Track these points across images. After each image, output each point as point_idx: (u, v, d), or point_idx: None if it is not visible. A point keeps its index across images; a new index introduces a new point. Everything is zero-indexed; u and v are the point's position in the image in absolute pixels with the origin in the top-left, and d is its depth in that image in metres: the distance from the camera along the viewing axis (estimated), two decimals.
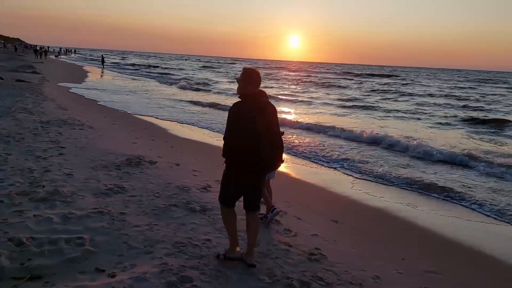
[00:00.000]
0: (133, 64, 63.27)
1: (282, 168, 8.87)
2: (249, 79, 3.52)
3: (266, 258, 3.89)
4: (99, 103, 16.98)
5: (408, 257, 4.76)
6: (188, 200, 5.24)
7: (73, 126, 9.66)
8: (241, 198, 3.77)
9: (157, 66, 62.13)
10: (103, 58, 51.45)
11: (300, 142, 12.04)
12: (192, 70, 62.52)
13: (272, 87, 35.37)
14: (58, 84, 22.76)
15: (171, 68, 58.75)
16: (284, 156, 9.49)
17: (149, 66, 62.27)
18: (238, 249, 3.81)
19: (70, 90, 20.53)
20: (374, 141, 12.29)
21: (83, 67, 47.68)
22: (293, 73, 68.02)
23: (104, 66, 49.00)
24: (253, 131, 3.40)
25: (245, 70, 3.61)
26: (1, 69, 21.05)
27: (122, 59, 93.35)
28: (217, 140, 10.80)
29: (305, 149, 11.06)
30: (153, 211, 4.78)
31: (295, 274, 3.63)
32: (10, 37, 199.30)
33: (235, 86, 3.88)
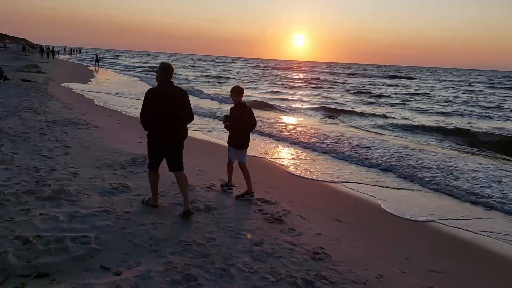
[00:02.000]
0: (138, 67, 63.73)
1: (287, 167, 8.88)
2: (164, 71, 4.50)
3: (270, 257, 3.91)
4: (103, 104, 17.01)
5: (412, 256, 4.76)
6: (193, 199, 5.26)
7: (78, 126, 9.72)
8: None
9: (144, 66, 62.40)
10: (97, 56, 52.65)
11: (305, 142, 12.05)
12: (181, 69, 62.72)
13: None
14: (63, 84, 22.89)
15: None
16: (287, 156, 9.41)
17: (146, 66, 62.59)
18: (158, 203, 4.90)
19: (75, 90, 20.64)
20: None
21: (88, 67, 47.94)
22: (300, 75, 67.46)
23: (99, 65, 49.90)
24: (163, 109, 4.39)
25: (162, 64, 4.61)
26: (7, 69, 21.19)
27: (116, 57, 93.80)
28: (222, 141, 10.80)
29: (310, 149, 11.07)
30: (157, 210, 4.81)
31: (299, 273, 3.65)
32: (16, 36, 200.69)
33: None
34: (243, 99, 5.70)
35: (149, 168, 4.86)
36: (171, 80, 4.56)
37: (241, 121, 5.62)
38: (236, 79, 46.20)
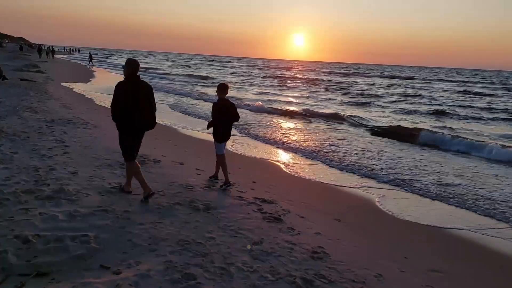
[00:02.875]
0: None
1: (286, 167, 8.89)
2: (130, 65, 4.85)
3: (269, 256, 3.92)
4: (102, 103, 16.99)
5: (411, 256, 4.78)
6: (192, 199, 5.27)
7: (78, 125, 9.71)
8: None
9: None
10: (90, 55, 53.52)
11: (304, 142, 12.07)
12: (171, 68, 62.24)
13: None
14: (63, 83, 22.87)
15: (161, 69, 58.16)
16: (287, 155, 9.46)
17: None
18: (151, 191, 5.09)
19: (74, 90, 20.62)
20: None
21: (88, 66, 47.90)
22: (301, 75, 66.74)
23: (92, 63, 50.42)
24: (132, 101, 4.73)
25: (127, 59, 4.97)
26: (6, 68, 21.14)
27: (108, 57, 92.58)
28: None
29: (309, 149, 11.08)
30: (157, 209, 4.81)
31: (298, 272, 3.65)
32: (15, 36, 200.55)
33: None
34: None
35: (130, 159, 5.06)
36: (138, 74, 4.93)
37: (225, 116, 6.04)
38: (232, 79, 45.47)
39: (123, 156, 5.12)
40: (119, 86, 4.84)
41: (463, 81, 62.31)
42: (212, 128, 6.22)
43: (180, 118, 15.25)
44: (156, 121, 5.13)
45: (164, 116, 14.85)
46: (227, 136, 6.18)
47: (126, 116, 4.81)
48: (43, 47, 68.41)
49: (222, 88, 6.10)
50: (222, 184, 6.14)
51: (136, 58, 5.23)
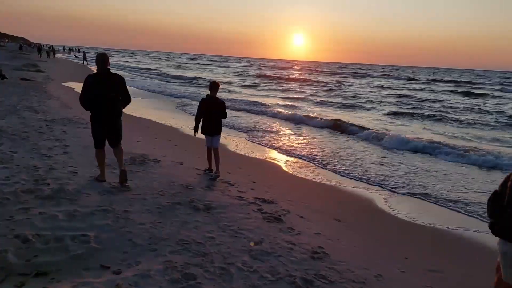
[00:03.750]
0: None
1: (285, 167, 8.89)
2: (98, 59, 5.24)
3: (269, 256, 3.91)
4: None
5: (411, 256, 4.77)
6: (192, 199, 5.27)
7: (78, 125, 9.71)
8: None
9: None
10: (84, 54, 54.23)
11: (303, 143, 12.07)
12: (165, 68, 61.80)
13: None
14: (63, 83, 22.85)
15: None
16: (286, 156, 9.42)
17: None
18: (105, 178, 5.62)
19: (74, 89, 20.60)
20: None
21: (88, 66, 47.87)
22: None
23: (87, 62, 50.74)
24: (101, 92, 5.17)
25: (97, 54, 5.37)
26: (5, 68, 21.14)
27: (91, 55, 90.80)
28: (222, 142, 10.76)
29: (308, 150, 11.08)
30: (157, 209, 4.81)
31: (298, 272, 3.65)
32: (15, 35, 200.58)
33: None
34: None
35: (95, 147, 5.55)
36: (108, 67, 5.30)
37: (214, 111, 6.52)
38: (231, 79, 44.98)
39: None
40: (88, 78, 5.24)
41: (464, 81, 61.88)
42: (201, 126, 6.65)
43: (181, 117, 15.25)
44: (123, 110, 5.54)
45: (164, 115, 14.85)
46: (213, 130, 6.62)
47: (95, 106, 5.23)
48: (43, 47, 68.30)
49: (214, 86, 6.57)
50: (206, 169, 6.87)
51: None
